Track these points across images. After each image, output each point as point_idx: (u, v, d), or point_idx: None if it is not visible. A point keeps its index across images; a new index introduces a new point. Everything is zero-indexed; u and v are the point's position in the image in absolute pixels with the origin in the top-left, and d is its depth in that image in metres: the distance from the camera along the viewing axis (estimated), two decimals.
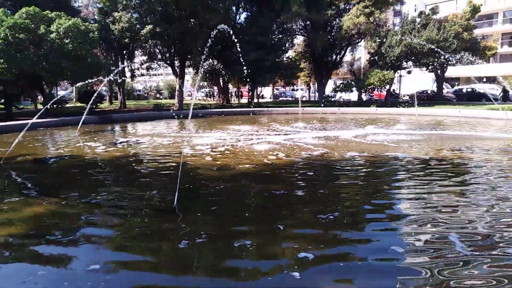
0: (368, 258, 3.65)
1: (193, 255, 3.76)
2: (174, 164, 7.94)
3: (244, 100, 37.67)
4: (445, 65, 30.24)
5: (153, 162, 8.49)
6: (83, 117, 15.10)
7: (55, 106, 21.01)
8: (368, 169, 7.58)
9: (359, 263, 3.56)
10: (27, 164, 8.39)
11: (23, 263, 3.68)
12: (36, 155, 9.43)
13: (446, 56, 25.37)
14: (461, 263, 3.42)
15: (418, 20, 29.95)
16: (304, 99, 43.24)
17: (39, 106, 22.00)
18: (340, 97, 35.81)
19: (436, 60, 28.19)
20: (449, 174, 6.91)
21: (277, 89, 54.81)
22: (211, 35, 10.66)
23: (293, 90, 54.60)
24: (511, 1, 43.92)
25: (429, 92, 36.25)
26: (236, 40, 17.35)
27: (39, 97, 26.18)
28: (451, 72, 35.68)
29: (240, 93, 41.03)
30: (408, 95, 38.30)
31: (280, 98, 49.27)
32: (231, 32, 13.29)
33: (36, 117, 10.51)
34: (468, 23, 29.88)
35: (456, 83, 45.83)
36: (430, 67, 30.49)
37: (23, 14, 16.83)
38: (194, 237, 4.11)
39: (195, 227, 4.44)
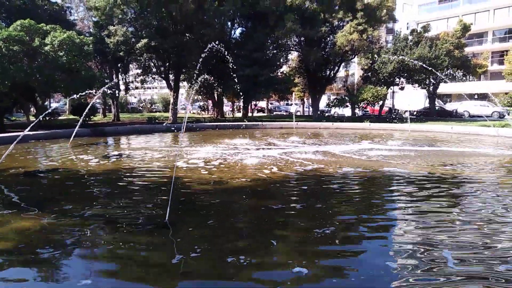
0: (363, 274, 3.60)
1: (185, 270, 3.68)
2: (167, 178, 7.86)
3: (239, 114, 37.75)
4: (436, 82, 30.68)
5: (146, 175, 8.40)
6: (76, 129, 14.98)
7: (47, 118, 20.86)
8: (363, 185, 7.57)
9: (353, 279, 3.51)
10: (17, 176, 8.25)
11: (10, 278, 3.57)
12: (27, 167, 9.30)
13: (439, 75, 25.76)
14: (454, 280, 3.38)
15: (410, 37, 30.49)
16: (298, 113, 43.50)
17: (32, 118, 21.83)
18: (335, 112, 36.02)
19: (428, 77, 28.62)
20: (443, 191, 6.91)
21: (271, 103, 55.13)
22: (204, 52, 10.71)
23: (287, 104, 54.97)
24: (500, 21, 45.04)
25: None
26: (229, 56, 17.46)
27: (31, 109, 26.02)
28: (443, 88, 36.18)
29: (239, 107, 41.05)
30: (411, 111, 38.12)
31: (275, 113, 49.51)
32: (225, 49, 13.37)
33: (28, 129, 10.36)
34: (459, 41, 30.49)
35: (448, 100, 46.48)
36: (422, 84, 30.92)
37: (18, 26, 16.85)
38: (186, 252, 4.04)
39: (187, 242, 4.36)
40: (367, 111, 35.89)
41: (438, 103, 37.12)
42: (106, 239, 4.51)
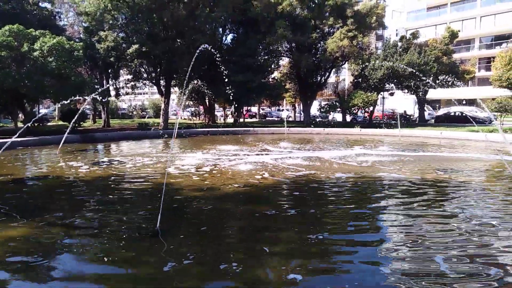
0: (356, 280, 3.58)
1: (176, 278, 3.62)
2: (158, 184, 7.78)
3: (230, 120, 37.67)
4: (426, 88, 31.02)
5: (137, 182, 8.31)
6: (65, 136, 14.79)
7: (36, 124, 20.60)
8: (355, 190, 7.58)
9: (347, 286, 3.49)
10: (5, 184, 8.09)
11: None
12: (16, 175, 9.14)
13: (427, 80, 26.06)
14: (445, 283, 3.39)
15: (399, 44, 30.87)
16: (290, 119, 43.64)
17: (20, 124, 21.52)
18: (333, 117, 35.88)
19: (417, 82, 28.94)
20: (435, 196, 6.96)
21: (262, 109, 55.26)
22: (195, 56, 10.68)
23: (278, 110, 55.19)
24: (487, 28, 45.92)
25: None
26: (220, 61, 17.49)
27: (20, 115, 25.65)
28: (432, 94, 36.62)
29: (233, 113, 40.38)
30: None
31: (267, 118, 49.56)
32: (216, 53, 13.43)
33: (16, 135, 10.21)
34: (447, 48, 30.96)
35: (437, 105, 47.05)
36: (412, 90, 31.26)
37: (6, 31, 16.64)
38: (178, 260, 3.98)
39: (178, 250, 4.31)
40: (365, 116, 35.28)
41: (427, 109, 37.48)
42: (96, 247, 4.44)
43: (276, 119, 47.09)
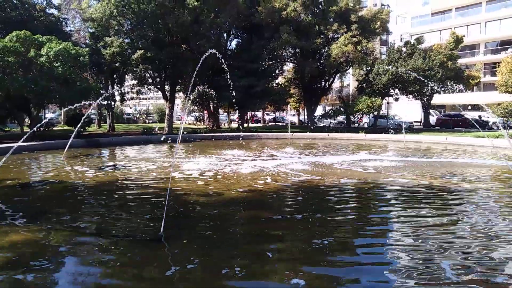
0: (362, 285, 3.56)
1: (179, 283, 3.62)
2: (162, 189, 7.79)
3: (235, 125, 37.70)
4: (431, 93, 30.92)
5: (141, 187, 8.32)
6: (70, 140, 14.87)
7: (42, 129, 20.74)
8: (360, 196, 7.55)
9: None
10: (11, 188, 8.15)
11: None
12: (21, 179, 9.20)
13: (432, 85, 25.98)
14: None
15: (404, 49, 30.82)
16: (292, 123, 43.63)
17: (26, 129, 21.68)
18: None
19: (422, 88, 28.85)
20: (440, 202, 6.91)
21: (267, 114, 55.25)
22: (201, 61, 10.71)
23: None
24: (492, 33, 45.78)
25: None
26: (225, 66, 17.60)
27: (26, 119, 25.85)
28: (437, 99, 36.49)
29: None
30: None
31: (276, 123, 49.30)
32: (221, 58, 13.51)
33: (22, 140, 10.28)
34: (452, 53, 30.87)
35: (442, 110, 46.85)
36: (416, 95, 31.16)
37: (14, 37, 16.83)
38: (181, 265, 3.99)
39: (182, 255, 4.31)
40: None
41: (435, 114, 37.29)
42: (101, 252, 4.45)
43: (281, 124, 47.27)
